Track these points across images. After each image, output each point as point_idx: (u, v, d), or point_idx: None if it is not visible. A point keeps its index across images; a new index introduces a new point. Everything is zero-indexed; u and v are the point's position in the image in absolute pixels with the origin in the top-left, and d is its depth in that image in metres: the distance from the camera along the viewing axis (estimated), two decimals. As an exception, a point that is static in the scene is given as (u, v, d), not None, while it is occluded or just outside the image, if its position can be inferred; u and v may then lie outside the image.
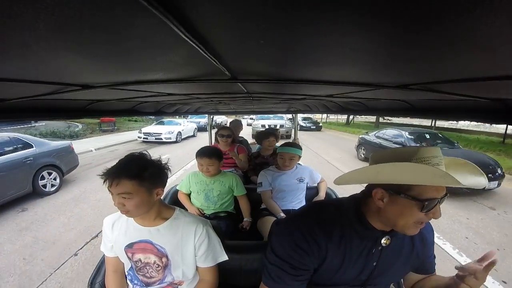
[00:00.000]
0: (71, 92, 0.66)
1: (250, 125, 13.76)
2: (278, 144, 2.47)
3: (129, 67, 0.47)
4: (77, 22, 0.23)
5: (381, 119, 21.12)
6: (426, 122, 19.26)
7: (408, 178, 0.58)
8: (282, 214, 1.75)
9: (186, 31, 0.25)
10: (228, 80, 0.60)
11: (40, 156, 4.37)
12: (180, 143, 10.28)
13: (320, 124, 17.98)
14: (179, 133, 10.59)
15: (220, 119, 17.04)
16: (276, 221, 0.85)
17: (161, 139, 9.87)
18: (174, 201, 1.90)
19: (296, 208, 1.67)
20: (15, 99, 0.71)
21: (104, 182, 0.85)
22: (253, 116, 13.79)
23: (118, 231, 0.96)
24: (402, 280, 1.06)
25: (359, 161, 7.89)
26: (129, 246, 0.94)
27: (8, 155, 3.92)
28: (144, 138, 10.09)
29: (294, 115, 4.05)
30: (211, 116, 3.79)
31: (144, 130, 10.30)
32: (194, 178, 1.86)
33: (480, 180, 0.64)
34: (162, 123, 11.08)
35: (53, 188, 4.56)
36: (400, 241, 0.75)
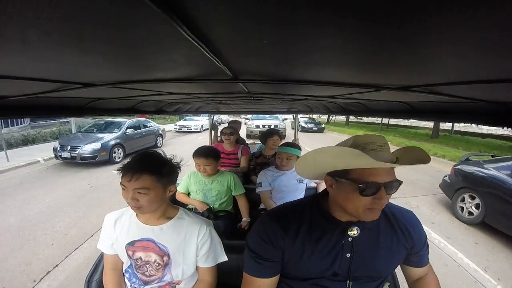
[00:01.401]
0: (72, 90, 0.66)
1: (245, 124, 13.80)
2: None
3: (131, 65, 0.47)
4: (79, 20, 0.23)
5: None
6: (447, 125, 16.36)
7: (335, 161, 0.64)
8: None
9: (189, 30, 0.25)
10: (230, 80, 0.60)
11: (155, 130, 9.57)
12: (202, 132, 14.58)
13: (323, 125, 17.09)
14: (202, 126, 14.95)
15: (224, 117, 19.10)
16: (265, 212, 0.91)
17: (191, 129, 14.77)
18: (173, 201, 1.90)
19: None
20: (15, 97, 0.71)
21: (123, 176, 0.85)
22: (249, 116, 13.79)
23: (120, 228, 0.96)
24: (396, 276, 1.07)
25: (457, 224, 3.73)
26: (131, 244, 0.94)
27: (145, 128, 8.96)
28: (178, 128, 14.76)
29: (294, 115, 4.05)
30: (212, 116, 3.79)
31: (178, 123, 15.17)
32: (192, 178, 1.86)
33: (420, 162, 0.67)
34: (185, 119, 15.73)
35: (160, 145, 9.84)
36: (375, 232, 0.77)
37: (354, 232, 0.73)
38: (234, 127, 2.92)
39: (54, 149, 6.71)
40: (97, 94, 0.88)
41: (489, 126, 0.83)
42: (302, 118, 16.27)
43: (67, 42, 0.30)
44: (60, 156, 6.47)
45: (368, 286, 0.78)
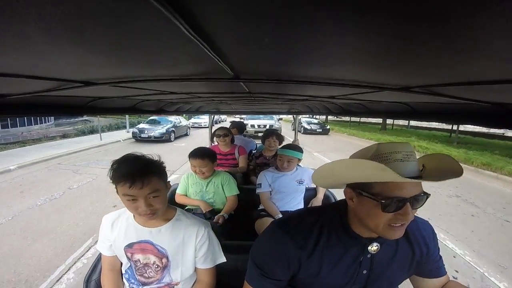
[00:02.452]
0: (73, 89, 0.66)
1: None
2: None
3: (132, 64, 0.47)
4: (80, 18, 0.23)
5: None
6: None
7: (356, 174, 0.58)
8: (280, 215, 1.75)
9: (191, 28, 0.25)
10: (231, 80, 0.60)
11: (186, 124, 13.40)
12: (223, 122, 17.60)
13: (328, 127, 15.74)
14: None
15: (223, 117, 20.67)
16: (274, 221, 0.85)
17: (201, 125, 17.34)
18: (171, 203, 1.89)
19: (294, 210, 1.67)
20: (16, 95, 0.70)
21: (130, 187, 0.78)
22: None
23: (117, 230, 0.95)
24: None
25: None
26: (129, 246, 0.93)
27: (180, 123, 12.61)
28: (191, 124, 15.99)
29: (294, 116, 4.04)
30: (212, 116, 3.79)
31: (191, 121, 16.97)
32: (190, 180, 1.84)
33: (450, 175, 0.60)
34: (199, 117, 17.75)
35: (188, 134, 13.57)
36: (393, 247, 0.73)
37: (374, 248, 0.68)
38: (231, 129, 2.92)
39: (134, 133, 11.05)
40: (98, 93, 0.88)
41: (489, 127, 0.83)
42: (304, 119, 15.68)
43: (68, 40, 0.30)
44: (140, 136, 10.68)
45: None
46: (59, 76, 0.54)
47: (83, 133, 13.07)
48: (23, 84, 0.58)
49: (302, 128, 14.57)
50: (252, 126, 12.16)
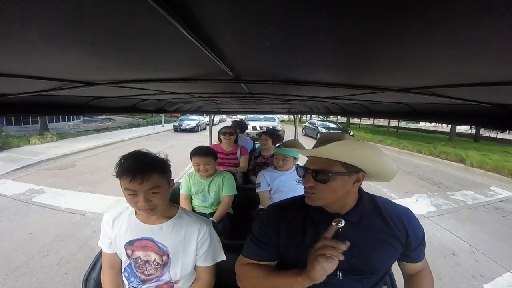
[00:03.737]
0: (73, 89, 0.66)
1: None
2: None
3: (133, 65, 0.47)
4: (82, 19, 0.23)
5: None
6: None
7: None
8: None
9: (191, 31, 0.25)
10: (231, 80, 0.60)
11: (204, 122, 16.34)
12: (217, 124, 18.57)
13: (351, 133, 11.79)
14: (219, 119, 21.02)
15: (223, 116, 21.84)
16: (269, 205, 0.99)
17: (186, 127, 19.40)
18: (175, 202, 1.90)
19: None
20: (17, 95, 0.71)
21: (131, 181, 0.80)
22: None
23: (118, 228, 0.95)
24: (394, 278, 1.07)
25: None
26: (130, 243, 0.93)
27: (203, 120, 16.52)
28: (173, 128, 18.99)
29: (295, 116, 4.04)
30: (212, 116, 3.79)
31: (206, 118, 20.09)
32: (192, 179, 1.84)
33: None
34: (206, 116, 20.97)
35: (205, 129, 14.63)
36: (365, 226, 0.78)
37: (338, 223, 0.74)
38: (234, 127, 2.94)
39: (174, 126, 15.80)
40: (98, 92, 0.88)
41: (490, 128, 0.84)
42: (317, 121, 13.80)
43: (69, 41, 0.30)
44: (179, 128, 15.46)
45: (365, 282, 0.78)
46: (60, 77, 0.54)
47: (120, 127, 17.45)
48: (24, 84, 0.58)
49: (317, 134, 12.45)
50: (254, 128, 11.37)
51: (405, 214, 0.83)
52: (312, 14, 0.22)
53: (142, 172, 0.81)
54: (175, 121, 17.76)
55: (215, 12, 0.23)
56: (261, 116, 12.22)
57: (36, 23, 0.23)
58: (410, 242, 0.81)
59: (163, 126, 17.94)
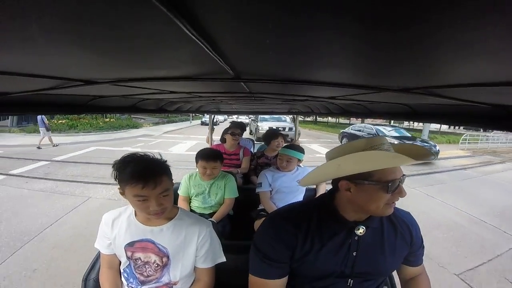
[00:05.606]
0: (73, 88, 0.66)
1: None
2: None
3: (133, 63, 0.47)
4: (81, 17, 0.23)
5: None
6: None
7: (368, 165, 0.65)
8: None
9: (192, 29, 0.25)
10: (231, 79, 0.60)
11: (217, 120, 19.65)
12: (219, 124, 20.00)
13: (437, 148, 8.29)
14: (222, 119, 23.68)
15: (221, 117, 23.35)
16: (270, 214, 0.93)
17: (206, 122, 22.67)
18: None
19: None
20: (16, 93, 0.71)
21: (143, 187, 0.78)
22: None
23: (118, 229, 0.95)
24: (394, 278, 1.07)
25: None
26: (130, 245, 0.93)
27: (219, 118, 20.01)
28: (203, 121, 21.36)
29: (294, 116, 4.04)
30: (212, 116, 3.79)
31: (203, 119, 21.42)
32: (192, 181, 1.82)
33: (427, 157, 0.76)
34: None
35: (219, 125, 17.75)
36: (379, 230, 0.78)
37: (361, 231, 0.75)
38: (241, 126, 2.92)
39: (202, 120, 20.98)
40: (99, 92, 0.88)
41: (490, 129, 0.84)
42: (383, 128, 10.26)
43: (69, 39, 0.30)
44: (205, 122, 18.80)
45: (367, 284, 0.78)
46: (60, 75, 0.54)
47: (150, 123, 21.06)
48: (24, 83, 0.58)
49: (350, 137, 10.60)
50: (271, 128, 10.99)
51: (408, 218, 0.85)
52: (313, 13, 0.22)
53: (154, 176, 0.79)
54: (199, 118, 23.39)
55: (216, 10, 0.23)
56: (275, 116, 11.73)
57: (37, 22, 0.23)
58: (413, 244, 0.82)
59: (190, 122, 23.28)
